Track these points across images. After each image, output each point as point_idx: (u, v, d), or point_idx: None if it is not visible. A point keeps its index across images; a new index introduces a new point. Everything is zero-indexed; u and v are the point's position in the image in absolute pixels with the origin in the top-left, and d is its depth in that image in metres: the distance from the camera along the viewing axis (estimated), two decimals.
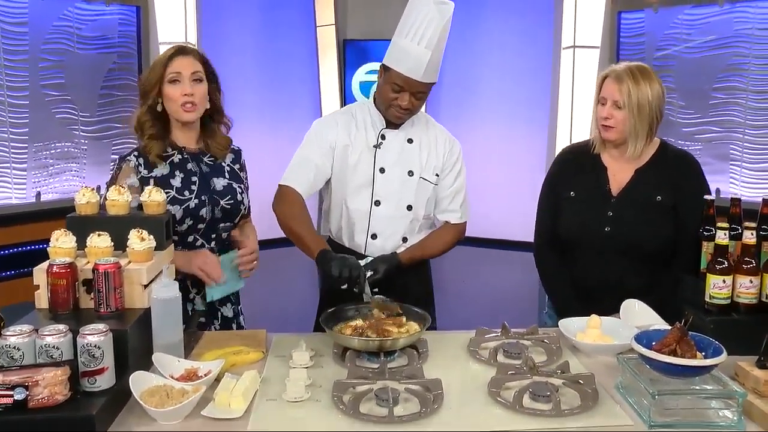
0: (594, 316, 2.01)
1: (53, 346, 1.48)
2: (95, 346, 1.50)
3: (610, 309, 2.22)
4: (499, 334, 2.05)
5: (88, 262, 1.80)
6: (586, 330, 1.98)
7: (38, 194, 5.00)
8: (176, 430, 1.52)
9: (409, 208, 2.32)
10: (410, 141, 2.33)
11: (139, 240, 1.85)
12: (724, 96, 5.52)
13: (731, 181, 5.49)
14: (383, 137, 2.30)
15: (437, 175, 2.36)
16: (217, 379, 1.71)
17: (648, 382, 1.58)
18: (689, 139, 5.63)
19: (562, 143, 6.22)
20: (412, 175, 2.31)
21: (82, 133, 5.24)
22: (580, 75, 6.04)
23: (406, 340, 1.86)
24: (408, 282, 2.34)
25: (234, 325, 2.43)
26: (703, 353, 1.62)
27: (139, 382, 1.57)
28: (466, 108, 7.09)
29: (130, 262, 1.85)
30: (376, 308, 2.00)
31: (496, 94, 6.95)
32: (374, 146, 2.29)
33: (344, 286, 1.98)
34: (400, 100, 2.20)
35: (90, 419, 1.41)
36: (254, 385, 1.69)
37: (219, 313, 2.39)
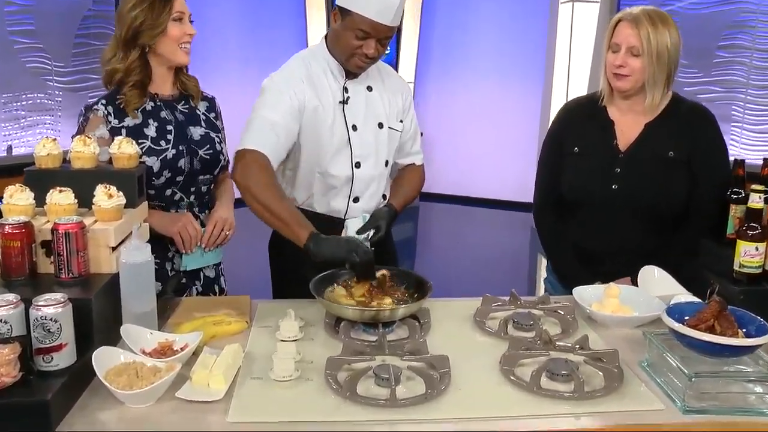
0: (612, 285, 1.83)
1: (0, 320, 1.27)
2: (51, 319, 1.30)
3: (617, 274, 2.07)
4: (507, 302, 1.86)
5: (48, 222, 1.58)
6: (604, 300, 1.80)
7: (9, 148, 4.74)
8: (147, 414, 1.32)
9: (387, 163, 2.12)
10: (370, 89, 2.10)
11: (106, 196, 1.63)
12: (728, 55, 5.33)
13: (732, 143, 5.32)
14: (346, 90, 2.06)
15: (401, 121, 2.16)
16: (195, 354, 1.52)
17: (681, 361, 1.40)
18: (690, 98, 5.42)
19: (557, 101, 6.00)
20: (382, 126, 2.09)
21: (56, 84, 4.96)
22: (578, 30, 5.79)
23: (405, 309, 1.67)
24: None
25: (216, 287, 2.23)
26: (744, 330, 1.44)
27: (104, 359, 1.38)
28: (458, 65, 6.84)
29: (96, 221, 1.64)
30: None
31: (490, 51, 6.69)
32: (341, 102, 2.04)
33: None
34: (366, 48, 1.92)
35: (43, 405, 1.21)
36: (237, 361, 1.49)
37: (201, 274, 2.19)
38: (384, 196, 2.14)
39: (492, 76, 6.70)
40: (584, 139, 2.18)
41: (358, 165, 2.05)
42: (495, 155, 6.88)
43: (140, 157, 1.88)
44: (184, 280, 2.13)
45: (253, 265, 5.19)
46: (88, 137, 1.79)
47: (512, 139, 6.71)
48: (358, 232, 1.97)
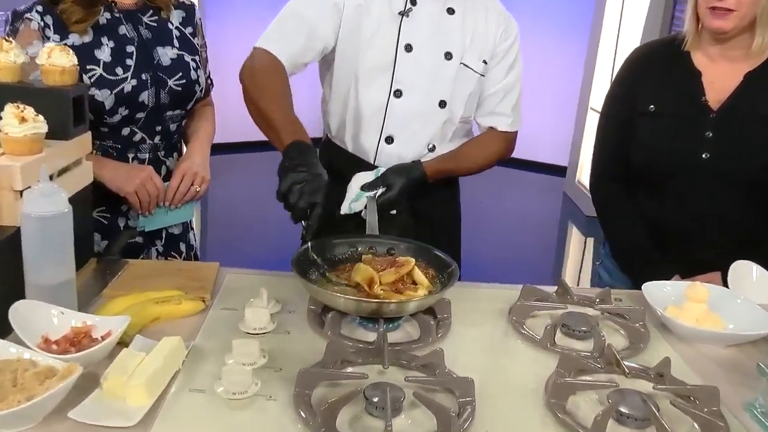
0: (698, 284, 1.36)
1: None
2: None
3: (699, 267, 1.61)
4: (554, 296, 1.41)
5: None
6: (686, 304, 1.34)
7: None
8: None
9: (443, 104, 1.63)
10: (450, 11, 1.62)
11: (17, 120, 1.19)
12: None
13: None
14: (413, 2, 1.60)
15: (485, 62, 1.66)
16: (122, 343, 1.09)
17: None
18: None
19: (605, 54, 5.42)
20: (450, 58, 1.61)
21: None
22: None
23: (418, 303, 1.22)
24: (432, 207, 1.70)
25: (182, 246, 1.80)
26: None
27: None
28: None
29: (3, 153, 1.20)
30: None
31: None
32: (399, 13, 1.58)
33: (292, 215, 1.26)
34: None
35: None
36: (173, 363, 1.06)
37: (163, 232, 1.75)
38: (432, 147, 1.67)
39: (532, 24, 6.10)
40: (663, 94, 1.68)
41: (398, 94, 1.60)
42: (530, 111, 6.33)
43: (86, 76, 1.43)
44: (140, 239, 1.69)
45: (235, 224, 4.69)
46: (8, 40, 1.34)
47: (549, 94, 6.15)
48: (364, 188, 1.52)
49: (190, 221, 1.82)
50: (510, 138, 1.76)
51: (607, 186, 1.80)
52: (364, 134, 1.65)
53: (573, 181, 5.88)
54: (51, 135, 1.27)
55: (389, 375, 1.07)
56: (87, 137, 1.41)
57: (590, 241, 5.17)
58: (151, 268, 1.47)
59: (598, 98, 5.46)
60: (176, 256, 1.79)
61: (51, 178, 1.23)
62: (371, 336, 1.22)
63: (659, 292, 1.39)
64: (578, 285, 4.36)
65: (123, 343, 1.11)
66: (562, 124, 6.16)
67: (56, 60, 1.33)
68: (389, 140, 1.64)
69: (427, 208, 1.70)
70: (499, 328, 1.30)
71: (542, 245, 5.13)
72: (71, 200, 1.15)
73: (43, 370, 0.96)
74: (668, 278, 1.54)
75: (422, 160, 1.62)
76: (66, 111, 1.33)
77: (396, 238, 1.41)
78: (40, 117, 1.22)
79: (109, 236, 1.64)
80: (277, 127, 1.38)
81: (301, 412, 0.97)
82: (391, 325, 1.25)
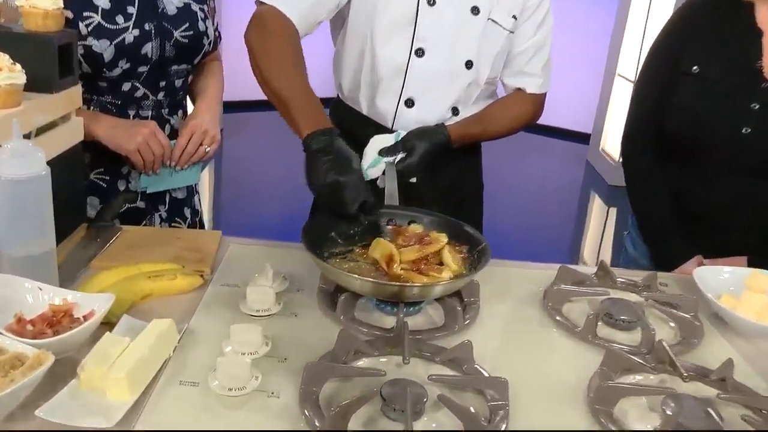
0: (757, 273, 1.20)
1: None
2: None
3: (724, 250, 1.47)
4: (593, 279, 1.26)
5: None
6: (744, 294, 1.18)
7: None
8: None
9: (469, 64, 1.46)
10: None
11: None
12: None
13: None
14: None
15: (514, 17, 1.48)
16: (107, 323, 0.96)
17: None
18: None
19: (636, 16, 5.18)
20: (477, 13, 1.44)
21: None
22: None
23: (445, 287, 1.07)
24: (454, 175, 1.55)
25: (186, 211, 1.66)
26: None
27: None
28: None
29: None
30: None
31: None
32: None
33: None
34: None
35: None
36: (164, 348, 0.93)
37: (167, 195, 1.61)
38: (455, 110, 1.51)
39: None
40: (711, 54, 1.49)
41: (420, 53, 1.43)
42: (555, 77, 6.11)
43: (83, 24, 1.27)
44: (141, 204, 1.55)
45: (244, 189, 4.54)
46: None
47: (576, 59, 5.91)
48: (382, 153, 1.36)
49: (195, 185, 1.68)
50: (539, 101, 1.59)
51: (640, 158, 1.62)
52: (382, 97, 1.49)
53: (597, 150, 5.68)
54: (33, 87, 1.14)
55: (409, 368, 0.93)
56: (76, 91, 1.27)
57: (613, 211, 4.99)
58: (146, 236, 1.33)
59: (626, 65, 5.23)
60: (180, 222, 1.66)
61: (30, 136, 1.09)
62: (389, 320, 1.08)
63: (713, 278, 1.23)
64: (599, 256, 4.20)
65: (108, 323, 0.98)
66: (588, 90, 5.94)
67: (38, 1, 1.18)
68: (409, 103, 1.48)
69: (449, 176, 1.55)
70: (532, 315, 1.15)
71: (563, 214, 4.96)
72: (58, 160, 1.02)
73: (9, 358, 0.83)
74: (690, 258, 1.41)
75: (446, 124, 1.47)
76: (50, 60, 1.18)
77: (419, 210, 1.27)
78: (17, 66, 1.08)
79: (108, 201, 1.50)
80: (288, 104, 1.21)
81: (307, 412, 0.83)
82: (412, 309, 1.11)
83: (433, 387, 0.89)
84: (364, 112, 1.53)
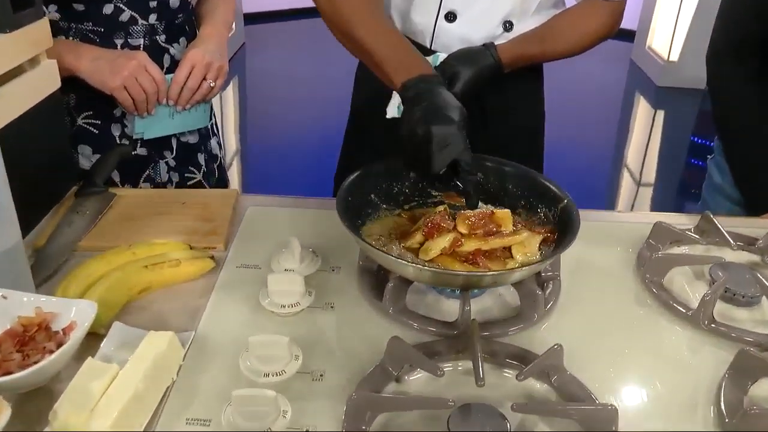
0: None
1: None
2: None
3: None
4: (695, 236, 1.01)
5: None
6: None
7: None
8: None
9: None
10: None
11: None
12: None
13: None
14: None
15: None
16: (93, 333, 0.76)
17: None
18: None
19: None
20: None
21: None
22: None
23: (524, 272, 0.83)
24: (509, 106, 1.29)
25: (200, 157, 1.43)
26: None
27: None
28: None
29: None
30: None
31: None
32: None
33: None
34: None
35: None
36: (164, 374, 0.72)
37: (173, 141, 1.37)
38: (508, 25, 1.22)
39: None
40: None
41: None
42: None
43: None
44: (143, 151, 1.32)
45: (269, 128, 4.21)
46: None
47: None
48: None
49: (212, 124, 1.44)
50: (618, 10, 1.26)
51: (729, 70, 1.32)
52: (417, 9, 1.21)
53: (643, 47, 5.26)
54: None
55: (486, 394, 0.71)
56: (42, 27, 1.02)
57: (660, 114, 4.65)
58: (145, 202, 1.10)
59: None
60: (194, 171, 1.42)
61: None
62: (450, 307, 0.86)
63: None
64: (643, 166, 3.91)
65: (93, 333, 0.77)
66: None
67: None
68: (450, 17, 1.19)
69: (503, 108, 1.28)
70: (627, 293, 0.92)
71: (605, 118, 4.62)
72: (31, 115, 0.79)
73: None
74: None
75: (496, 43, 1.18)
76: None
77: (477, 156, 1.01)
78: None
79: (102, 149, 1.27)
80: (378, 58, 0.98)
81: None
82: (477, 291, 0.88)
83: (515, 418, 0.67)
84: (400, 29, 1.25)
